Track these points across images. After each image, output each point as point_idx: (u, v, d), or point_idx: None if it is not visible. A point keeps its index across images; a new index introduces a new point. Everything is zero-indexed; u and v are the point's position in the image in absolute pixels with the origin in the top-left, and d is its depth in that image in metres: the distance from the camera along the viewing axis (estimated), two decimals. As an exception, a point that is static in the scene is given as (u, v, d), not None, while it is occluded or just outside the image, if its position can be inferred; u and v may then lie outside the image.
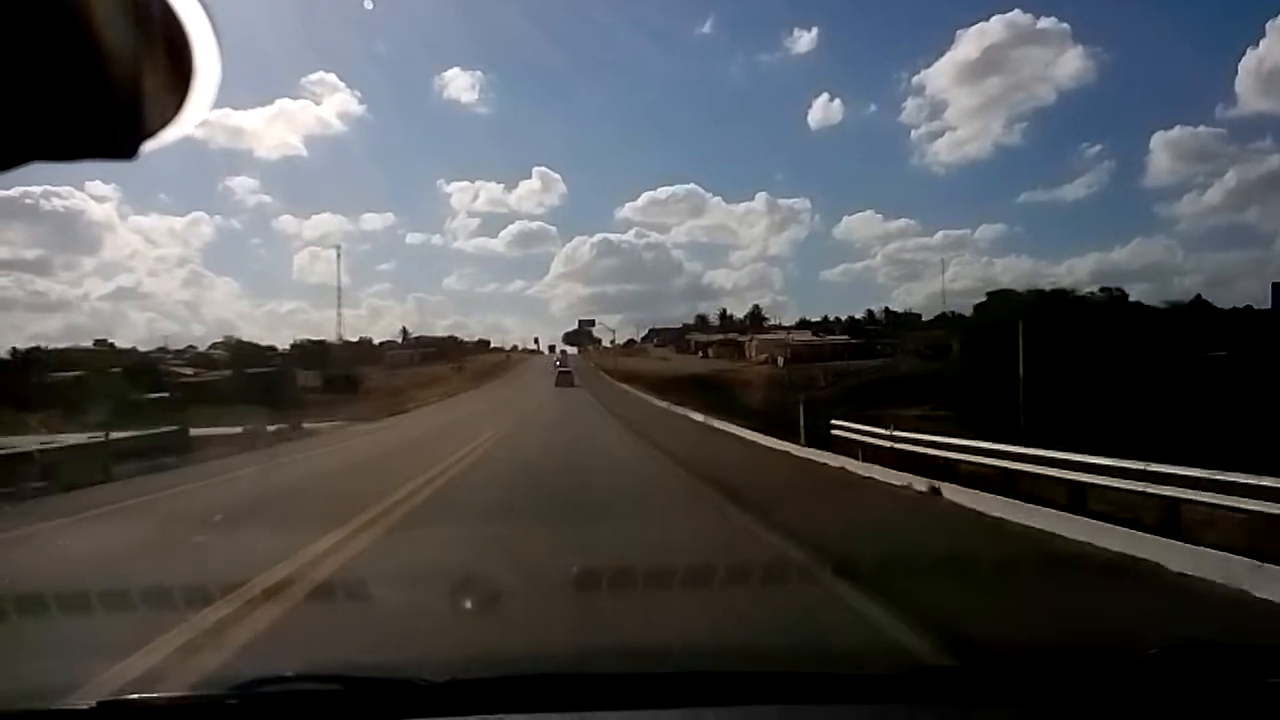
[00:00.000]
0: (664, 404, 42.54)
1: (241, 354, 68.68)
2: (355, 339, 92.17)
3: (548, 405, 42.91)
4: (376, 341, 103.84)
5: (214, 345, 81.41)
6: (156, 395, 47.30)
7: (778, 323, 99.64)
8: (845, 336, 75.37)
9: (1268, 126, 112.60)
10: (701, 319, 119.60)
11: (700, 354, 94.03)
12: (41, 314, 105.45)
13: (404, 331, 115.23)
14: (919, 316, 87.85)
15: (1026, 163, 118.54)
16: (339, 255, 70.05)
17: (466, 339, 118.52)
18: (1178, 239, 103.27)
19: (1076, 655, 2.48)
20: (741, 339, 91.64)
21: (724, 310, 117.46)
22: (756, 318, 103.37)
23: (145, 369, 57.02)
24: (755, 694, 2.18)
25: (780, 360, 65.69)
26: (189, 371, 58.02)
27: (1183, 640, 2.25)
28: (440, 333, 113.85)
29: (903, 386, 44.93)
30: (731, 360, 78.50)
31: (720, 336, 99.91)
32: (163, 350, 79.31)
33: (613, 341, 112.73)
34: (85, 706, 2.07)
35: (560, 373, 68.00)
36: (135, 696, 2.33)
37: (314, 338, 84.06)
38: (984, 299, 67.19)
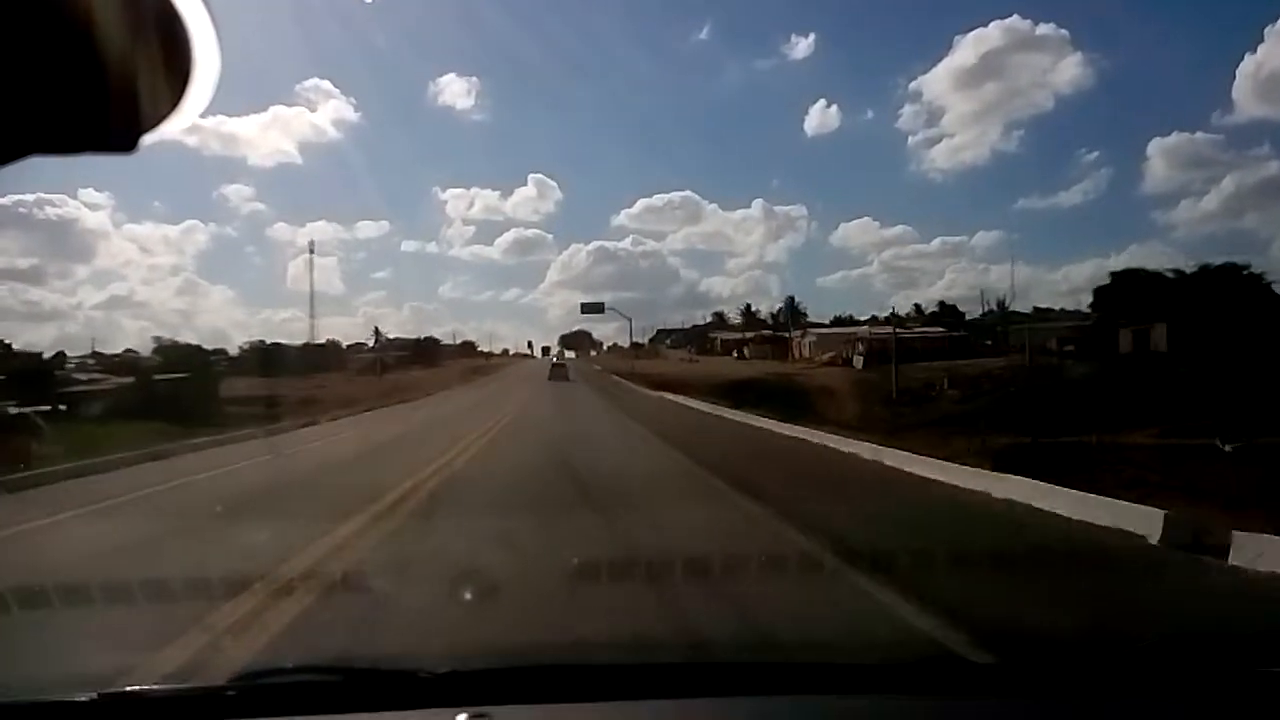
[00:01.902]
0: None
1: (175, 357, 55.73)
2: (323, 341, 78.26)
3: (537, 427, 24.96)
4: (345, 344, 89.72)
5: (155, 350, 68.96)
6: (29, 409, 33.62)
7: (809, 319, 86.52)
8: (941, 329, 61.28)
9: (1265, 133, 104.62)
10: (719, 316, 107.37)
11: (734, 354, 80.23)
12: (35, 323, 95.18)
13: (376, 332, 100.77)
14: (998, 305, 73.71)
15: (1024, 169, 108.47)
16: (311, 251, 58.58)
17: (448, 341, 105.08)
18: (1175, 245, 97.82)
19: (1073, 645, 2.62)
20: (784, 335, 78.21)
21: (749, 305, 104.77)
22: (795, 312, 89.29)
23: (37, 375, 44.20)
24: (757, 684, 2.15)
25: (858, 359, 52.16)
26: (82, 378, 44.18)
27: (1178, 632, 2.33)
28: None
29: (1082, 396, 31.44)
30: (780, 360, 64.64)
31: (752, 334, 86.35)
32: (96, 354, 66.12)
33: (615, 345, 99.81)
34: (85, 699, 2.03)
35: (554, 366, 66.97)
36: (134, 689, 2.23)
37: (271, 340, 71.56)
38: (1109, 280, 55.82)
